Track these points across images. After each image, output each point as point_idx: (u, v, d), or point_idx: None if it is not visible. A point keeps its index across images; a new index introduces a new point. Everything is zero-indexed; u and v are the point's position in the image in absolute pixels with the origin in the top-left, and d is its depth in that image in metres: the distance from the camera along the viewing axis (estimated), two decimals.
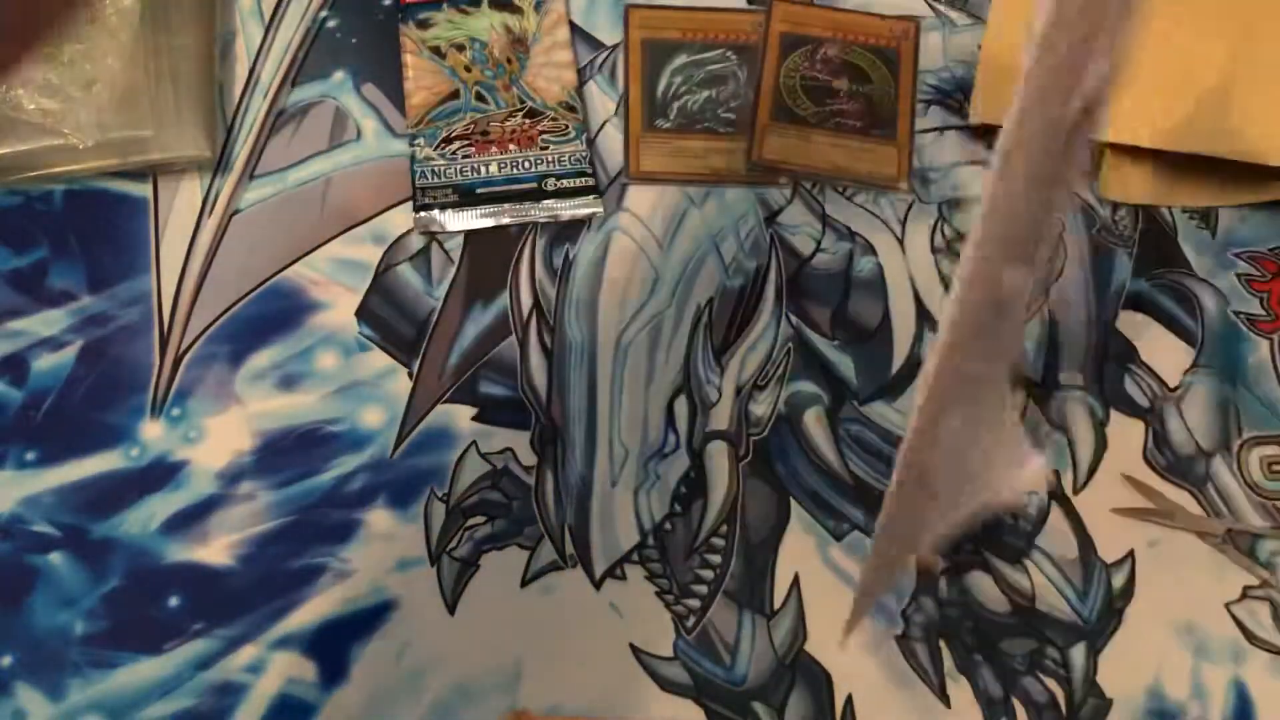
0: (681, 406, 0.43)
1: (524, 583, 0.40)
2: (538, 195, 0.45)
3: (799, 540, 0.41)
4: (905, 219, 0.46)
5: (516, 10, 0.48)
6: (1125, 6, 0.23)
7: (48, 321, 0.43)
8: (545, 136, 0.46)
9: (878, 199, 0.46)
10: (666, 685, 0.39)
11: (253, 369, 0.43)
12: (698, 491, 0.41)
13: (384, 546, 0.40)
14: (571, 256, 0.45)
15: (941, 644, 0.39)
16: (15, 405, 0.42)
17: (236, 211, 0.45)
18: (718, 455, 0.42)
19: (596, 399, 0.43)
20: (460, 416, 0.42)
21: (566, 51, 0.48)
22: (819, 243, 0.45)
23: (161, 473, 0.41)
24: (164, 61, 0.45)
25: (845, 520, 0.41)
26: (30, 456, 0.41)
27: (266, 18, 0.48)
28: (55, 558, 0.40)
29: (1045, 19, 0.23)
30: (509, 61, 0.48)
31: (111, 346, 0.43)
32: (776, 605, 0.40)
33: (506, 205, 0.45)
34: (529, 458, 0.42)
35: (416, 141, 0.46)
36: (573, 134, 0.46)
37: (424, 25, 0.48)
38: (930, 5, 0.49)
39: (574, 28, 0.48)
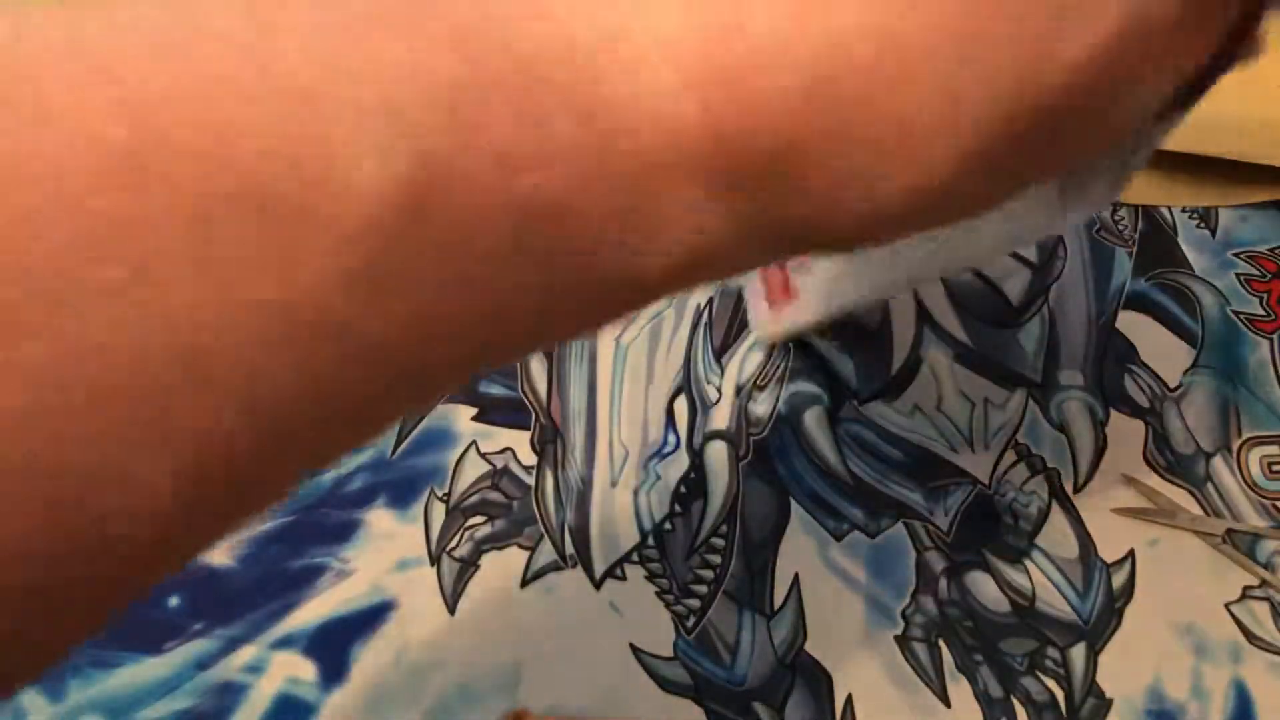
0: (681, 406, 0.43)
1: (524, 583, 0.40)
2: None
3: (799, 540, 0.41)
4: None
5: None
6: None
7: None
8: None
9: None
10: (666, 685, 0.39)
11: None
12: (698, 491, 0.41)
13: (384, 546, 0.40)
14: None
15: (941, 644, 0.39)
16: None
17: None
18: (718, 455, 0.42)
19: (596, 399, 0.43)
20: (460, 416, 0.42)
21: None
22: None
23: None
24: None
25: (845, 520, 0.41)
26: None
27: None
28: None
29: None
30: None
31: None
32: (776, 605, 0.40)
33: None
34: (529, 458, 0.42)
35: None
36: None
37: None
38: None
39: None
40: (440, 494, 0.41)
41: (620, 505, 0.41)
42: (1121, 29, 0.18)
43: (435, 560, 0.40)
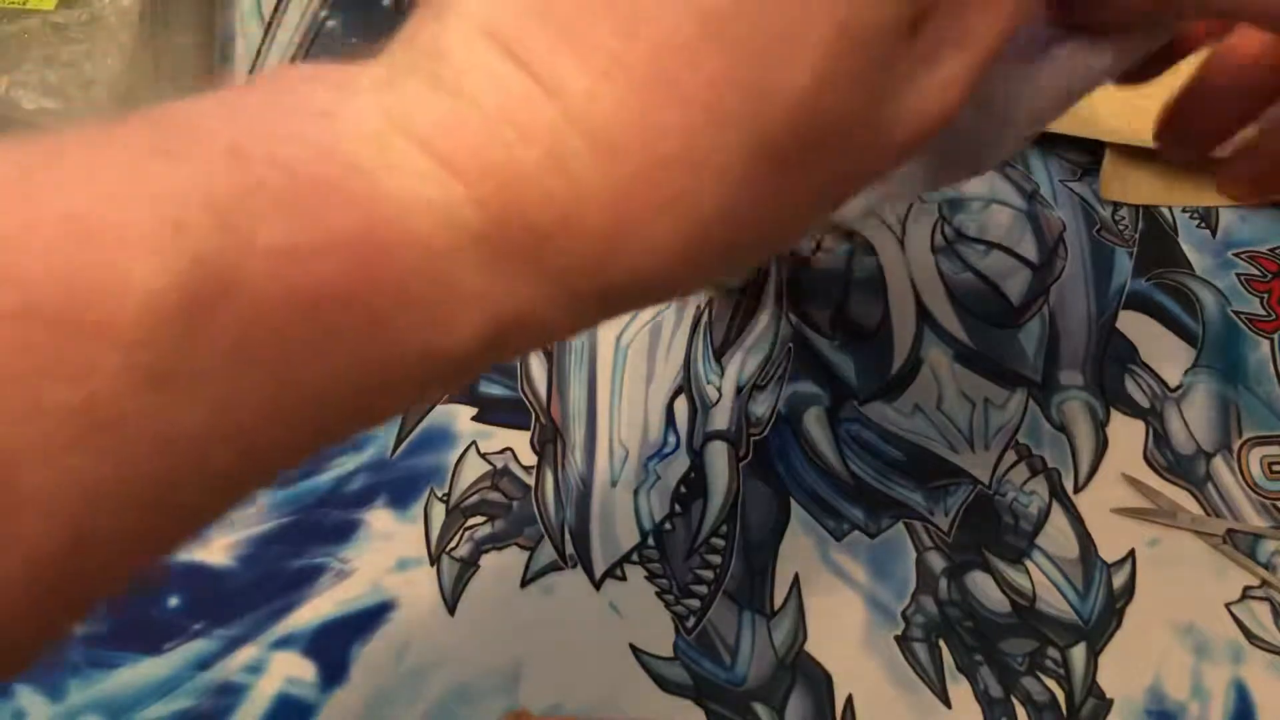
0: (681, 406, 0.43)
1: (524, 583, 0.40)
2: None
3: (799, 540, 0.41)
4: (905, 219, 0.46)
5: None
6: None
7: None
8: None
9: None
10: (666, 685, 0.39)
11: None
12: (698, 491, 0.41)
13: (384, 546, 0.40)
14: None
15: (941, 644, 0.39)
16: None
17: None
18: (718, 455, 0.42)
19: (596, 399, 0.43)
20: (460, 416, 0.42)
21: None
22: (819, 242, 0.45)
23: None
24: (164, 61, 0.45)
25: (845, 520, 0.41)
26: None
27: (266, 18, 0.48)
28: None
29: None
30: None
31: None
32: (776, 605, 0.40)
33: None
34: (529, 458, 0.42)
35: None
36: None
37: None
38: None
39: None
40: (440, 494, 0.41)
41: (620, 505, 0.41)
42: (835, 44, 0.19)
43: (435, 560, 0.40)
